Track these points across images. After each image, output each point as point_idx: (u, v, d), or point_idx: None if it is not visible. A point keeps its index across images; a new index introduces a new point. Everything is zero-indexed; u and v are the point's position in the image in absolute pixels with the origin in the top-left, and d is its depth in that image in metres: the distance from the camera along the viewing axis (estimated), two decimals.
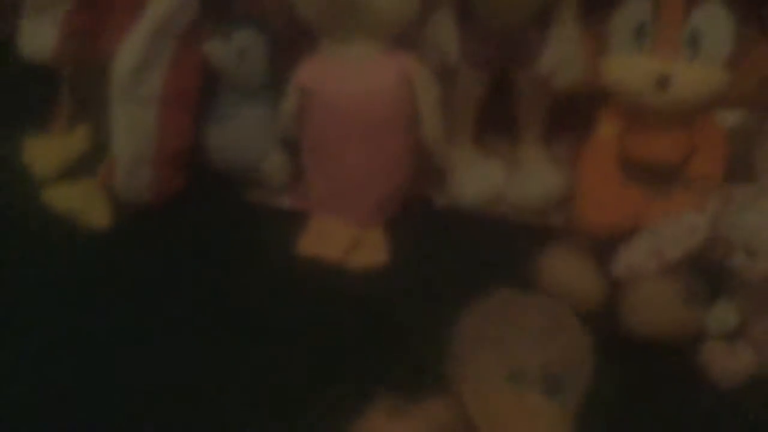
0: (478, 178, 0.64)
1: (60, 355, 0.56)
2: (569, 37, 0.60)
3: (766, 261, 0.49)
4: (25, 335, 0.56)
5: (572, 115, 0.64)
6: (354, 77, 0.60)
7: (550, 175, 0.64)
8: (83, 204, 0.64)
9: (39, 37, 0.66)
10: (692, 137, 0.56)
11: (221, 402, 0.52)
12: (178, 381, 0.53)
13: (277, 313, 0.57)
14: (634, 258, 0.53)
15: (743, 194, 0.51)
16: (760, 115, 0.59)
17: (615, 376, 0.53)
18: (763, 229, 0.49)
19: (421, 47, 0.62)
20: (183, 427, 0.50)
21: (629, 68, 0.56)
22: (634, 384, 0.53)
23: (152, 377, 0.53)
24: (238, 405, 0.51)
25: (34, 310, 0.59)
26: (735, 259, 0.50)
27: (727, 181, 0.55)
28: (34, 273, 0.61)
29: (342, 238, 0.62)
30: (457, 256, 0.62)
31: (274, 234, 0.63)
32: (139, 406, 0.51)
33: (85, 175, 0.66)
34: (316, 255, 0.61)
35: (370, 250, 0.62)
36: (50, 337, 0.57)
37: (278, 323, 0.57)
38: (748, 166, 0.56)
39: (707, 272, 0.53)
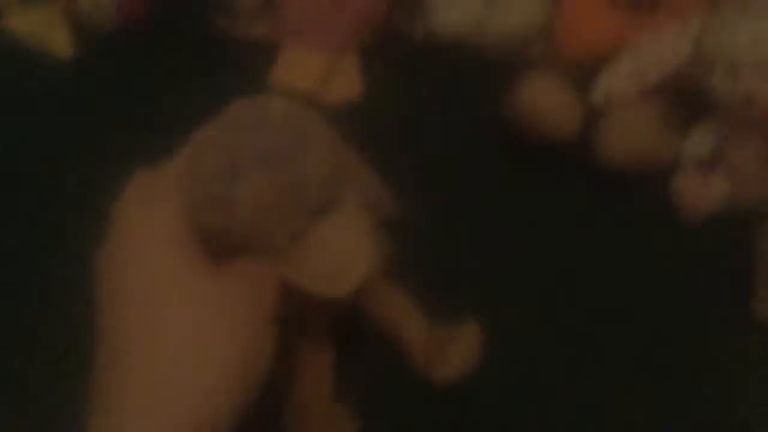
0: (456, 7, 0.62)
1: (26, 184, 0.55)
2: None
3: (747, 81, 0.48)
4: None
5: None
6: None
7: (531, 2, 0.61)
8: (46, 31, 0.61)
9: None
10: None
11: None
12: None
13: None
14: (614, 82, 0.52)
15: (726, 13, 0.50)
16: None
17: (589, 204, 0.54)
18: (746, 47, 0.47)
19: None
20: None
21: None
22: (607, 214, 0.54)
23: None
24: None
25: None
26: (716, 80, 0.49)
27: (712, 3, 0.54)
28: None
29: (316, 68, 0.60)
30: (434, 89, 0.61)
31: (244, 64, 0.61)
32: None
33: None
34: (289, 86, 0.60)
35: (345, 82, 0.61)
36: (15, 165, 0.56)
37: None
38: None
39: (687, 96, 0.53)
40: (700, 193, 0.53)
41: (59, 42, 0.61)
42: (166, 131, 0.58)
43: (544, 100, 0.53)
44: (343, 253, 0.36)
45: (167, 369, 0.32)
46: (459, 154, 0.58)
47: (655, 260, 0.53)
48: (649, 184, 0.54)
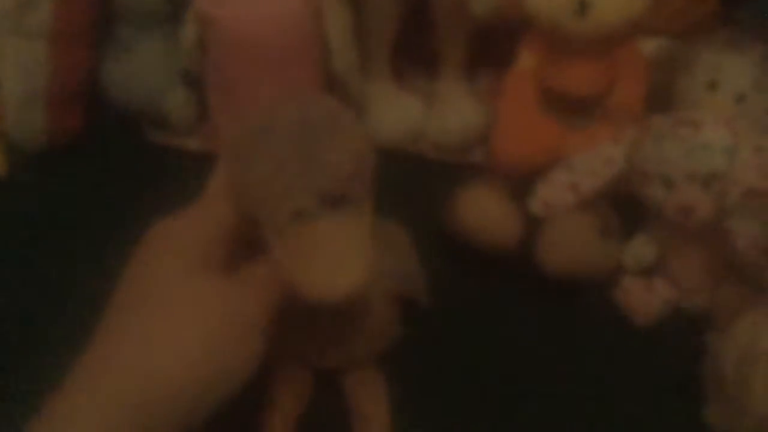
0: (395, 114, 0.62)
1: None
2: None
3: (683, 193, 0.47)
4: None
5: (492, 49, 0.61)
6: (257, 2, 0.55)
7: (469, 110, 0.61)
8: None
9: None
10: (612, 68, 0.54)
11: None
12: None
13: None
14: (551, 192, 0.51)
15: (660, 124, 0.49)
16: (679, 44, 0.57)
17: (532, 316, 0.52)
18: (679, 160, 0.47)
19: None
20: None
21: None
22: (551, 324, 0.52)
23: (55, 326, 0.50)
24: None
25: None
26: (651, 191, 0.49)
27: (647, 111, 0.53)
28: None
29: None
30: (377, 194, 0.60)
31: (179, 177, 0.60)
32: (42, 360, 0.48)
33: None
34: None
35: None
36: None
37: None
38: (667, 96, 0.55)
39: (624, 206, 0.52)
40: (644, 299, 0.52)
41: None
42: (102, 245, 0.57)
43: (482, 210, 0.52)
44: (341, 255, 0.37)
45: (142, 352, 0.35)
46: None
47: (601, 365, 0.51)
48: (594, 290, 0.53)
